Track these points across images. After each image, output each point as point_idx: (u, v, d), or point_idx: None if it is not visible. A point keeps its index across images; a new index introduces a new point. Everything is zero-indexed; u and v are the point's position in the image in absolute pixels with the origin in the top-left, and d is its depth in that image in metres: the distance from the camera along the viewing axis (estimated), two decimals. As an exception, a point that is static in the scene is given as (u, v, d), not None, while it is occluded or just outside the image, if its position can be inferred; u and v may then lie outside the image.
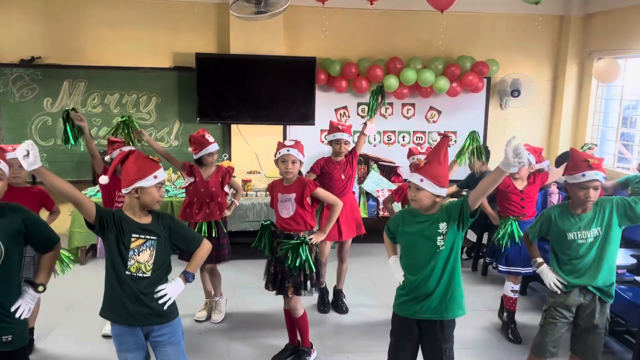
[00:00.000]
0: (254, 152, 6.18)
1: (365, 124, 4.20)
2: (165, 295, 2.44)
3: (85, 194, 5.39)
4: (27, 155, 2.16)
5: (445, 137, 2.70)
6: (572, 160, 2.85)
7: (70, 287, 4.48)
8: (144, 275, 2.43)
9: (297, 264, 3.22)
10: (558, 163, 5.07)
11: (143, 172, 2.44)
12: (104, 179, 2.61)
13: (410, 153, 3.95)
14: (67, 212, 5.01)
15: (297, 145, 3.34)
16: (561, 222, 2.88)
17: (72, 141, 3.76)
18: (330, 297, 4.46)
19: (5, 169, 2.37)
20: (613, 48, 6.10)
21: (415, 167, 2.65)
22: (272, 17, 3.92)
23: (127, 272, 2.41)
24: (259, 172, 6.04)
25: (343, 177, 4.14)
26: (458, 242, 2.62)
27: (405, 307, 2.71)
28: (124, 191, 2.47)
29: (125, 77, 5.96)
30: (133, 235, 2.42)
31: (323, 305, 4.36)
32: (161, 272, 2.48)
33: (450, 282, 2.63)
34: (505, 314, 4.08)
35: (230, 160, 6.15)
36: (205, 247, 2.63)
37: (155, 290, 2.44)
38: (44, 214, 3.39)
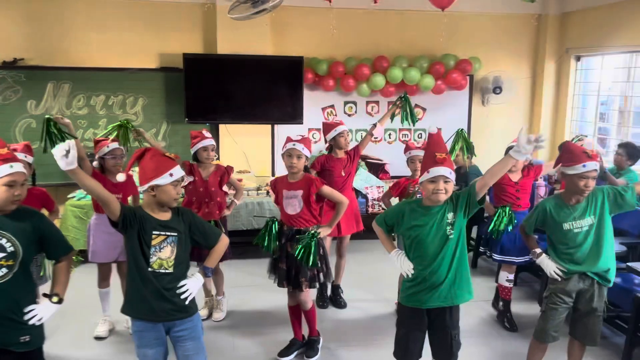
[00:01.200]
0: (243, 152, 6.19)
1: (374, 125, 4.28)
2: (187, 290, 2.46)
3: (74, 197, 5.34)
4: (66, 155, 2.16)
5: (439, 130, 2.78)
6: (570, 153, 2.96)
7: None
8: (167, 271, 2.45)
9: (313, 258, 3.23)
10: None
11: (159, 170, 2.44)
12: (121, 177, 2.62)
13: (407, 148, 4.02)
14: (57, 217, 4.93)
15: (304, 140, 3.36)
16: (556, 213, 2.98)
17: (54, 146, 3.63)
18: (329, 292, 4.51)
19: (26, 173, 2.34)
20: (589, 45, 6.32)
21: (440, 161, 2.65)
22: (273, 8, 3.91)
23: (149, 269, 2.42)
24: (249, 172, 6.06)
25: (343, 173, 4.20)
26: (464, 228, 2.71)
27: (414, 298, 2.76)
28: (140, 189, 2.48)
29: (111, 79, 5.90)
30: (154, 232, 2.43)
31: (322, 300, 4.41)
32: (183, 267, 2.50)
33: (459, 268, 2.70)
34: (500, 303, 4.20)
35: (219, 160, 6.14)
36: (224, 242, 2.65)
37: (177, 286, 2.46)
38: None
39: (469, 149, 4.17)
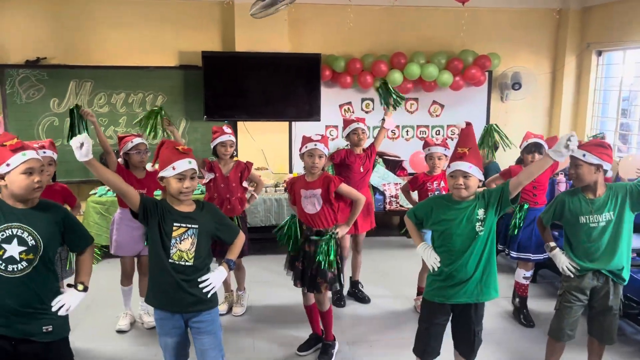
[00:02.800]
0: (261, 149, 6.23)
1: (383, 119, 4.28)
2: (210, 284, 2.49)
3: (95, 193, 5.43)
4: (81, 147, 2.22)
5: (470, 125, 2.76)
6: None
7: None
8: (187, 263, 2.48)
9: (331, 259, 3.24)
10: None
11: (165, 162, 2.51)
12: (150, 166, 2.68)
13: (426, 144, 4.01)
14: (78, 213, 5.02)
15: (324, 139, 3.37)
16: (574, 205, 2.94)
17: (75, 135, 3.73)
18: (346, 290, 4.51)
19: (41, 160, 2.35)
20: (610, 40, 6.23)
21: (459, 156, 2.67)
22: (292, 2, 3.93)
23: (169, 260, 2.46)
24: (267, 169, 6.09)
25: (362, 170, 4.20)
26: (494, 226, 2.70)
27: (440, 293, 2.76)
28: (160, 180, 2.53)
29: (131, 77, 5.98)
30: (175, 224, 2.47)
31: (340, 300, 4.39)
32: (203, 260, 2.53)
33: (487, 265, 2.71)
34: (517, 299, 4.18)
35: (237, 157, 6.19)
36: (242, 237, 2.70)
37: (200, 280, 2.49)
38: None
39: (496, 146, 4.17)
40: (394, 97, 4.29)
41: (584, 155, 2.83)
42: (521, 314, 4.11)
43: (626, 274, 2.98)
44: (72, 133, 3.57)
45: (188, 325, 2.62)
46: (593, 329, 3.09)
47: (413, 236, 2.94)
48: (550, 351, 3.14)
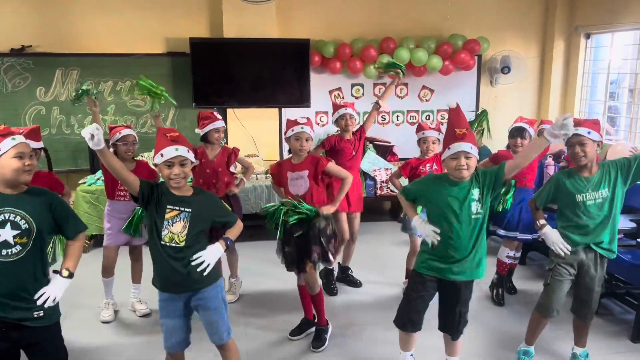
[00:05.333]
0: (251, 136, 6.20)
1: (377, 102, 4.28)
2: (203, 262, 2.50)
3: (84, 182, 5.40)
4: (92, 137, 2.30)
5: (457, 106, 2.76)
6: None
7: (74, 275, 4.48)
8: (177, 245, 2.51)
9: (311, 234, 3.24)
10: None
11: (156, 149, 2.57)
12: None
13: (420, 128, 4.01)
14: (68, 203, 4.99)
15: (309, 122, 3.38)
16: (570, 184, 2.96)
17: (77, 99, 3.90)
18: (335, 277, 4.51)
19: (30, 145, 2.38)
20: (599, 23, 6.24)
21: (460, 136, 2.64)
22: None
23: (161, 242, 2.51)
24: (257, 156, 6.07)
25: (354, 153, 4.21)
26: (488, 206, 2.72)
27: (432, 266, 2.78)
28: None
29: (118, 64, 5.91)
30: (168, 206, 2.52)
31: (330, 289, 4.37)
32: (195, 242, 2.55)
33: (480, 246, 2.73)
34: (495, 276, 4.21)
35: (227, 144, 6.16)
36: (239, 224, 2.74)
37: (193, 258, 2.50)
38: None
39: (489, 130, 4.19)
40: (400, 65, 4.31)
41: (589, 133, 2.86)
42: (495, 291, 4.17)
43: (615, 247, 3.02)
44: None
45: (190, 307, 2.65)
46: (577, 308, 3.13)
47: (407, 211, 2.93)
48: (534, 326, 3.17)
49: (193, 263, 2.50)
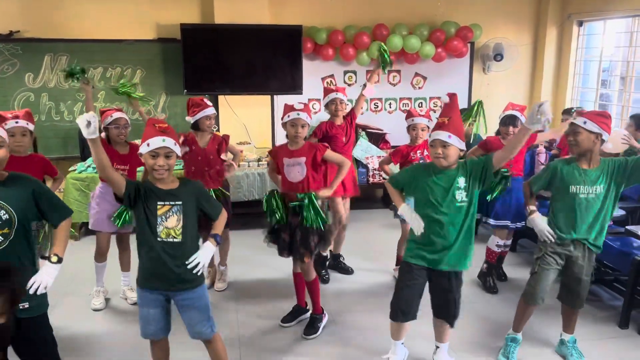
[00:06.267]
0: (243, 124, 6.17)
1: (364, 85, 4.26)
2: (199, 263, 2.49)
3: (75, 170, 5.35)
4: (88, 125, 2.24)
5: (454, 95, 2.75)
6: None
7: (65, 263, 4.45)
8: (175, 239, 2.48)
9: (321, 217, 3.24)
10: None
11: (143, 138, 2.50)
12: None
13: (410, 115, 4.01)
14: (58, 190, 4.95)
15: (306, 108, 3.34)
16: (566, 174, 2.96)
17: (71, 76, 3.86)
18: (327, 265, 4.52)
19: (5, 136, 2.32)
20: (591, 10, 6.23)
21: (439, 125, 2.68)
22: None
23: (158, 239, 2.46)
24: (249, 143, 6.05)
25: (345, 139, 4.20)
26: (476, 196, 2.72)
27: (419, 255, 2.79)
28: None
29: (108, 50, 5.85)
30: (159, 202, 2.47)
31: (320, 276, 4.32)
32: (191, 235, 2.53)
33: (467, 236, 2.74)
34: (484, 265, 4.24)
35: (218, 132, 6.13)
36: (224, 215, 2.71)
37: (188, 261, 2.49)
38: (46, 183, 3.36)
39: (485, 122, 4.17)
40: (385, 59, 4.29)
41: (584, 123, 2.85)
42: (485, 280, 4.20)
43: (601, 243, 3.03)
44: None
45: (171, 301, 2.63)
46: (564, 295, 3.16)
47: (394, 199, 2.93)
48: (521, 314, 3.19)
49: (189, 266, 2.48)
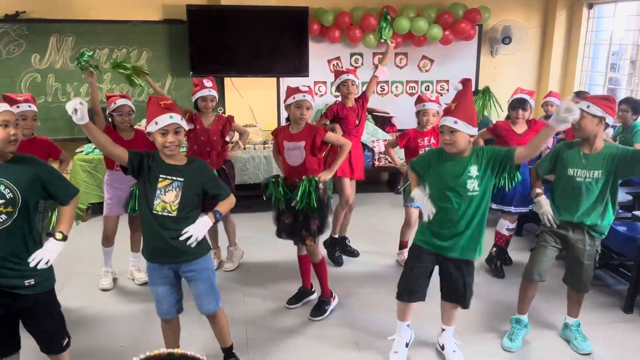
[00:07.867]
0: (248, 106, 6.16)
1: (376, 66, 4.23)
2: (191, 236, 2.49)
3: (82, 151, 5.37)
4: (75, 112, 2.27)
5: (468, 80, 2.73)
6: None
7: (74, 244, 4.50)
8: (169, 214, 2.50)
9: (309, 204, 3.20)
10: None
11: (149, 117, 2.53)
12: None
13: (420, 100, 3.97)
14: (65, 172, 4.97)
15: (310, 91, 3.33)
16: (567, 155, 2.96)
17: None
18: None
19: (14, 114, 2.33)
20: (602, -7, 6.15)
21: (446, 111, 2.66)
22: None
23: (153, 212, 2.50)
24: (255, 126, 6.04)
25: (357, 122, 4.19)
26: (490, 187, 2.71)
27: (429, 241, 2.80)
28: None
29: (114, 31, 5.82)
30: (161, 175, 2.51)
31: (335, 259, 4.39)
32: (188, 212, 2.54)
33: (478, 225, 2.73)
34: (494, 249, 4.25)
35: (224, 114, 6.12)
36: (232, 199, 2.69)
37: (181, 233, 2.50)
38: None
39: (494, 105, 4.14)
40: (386, 26, 4.27)
41: (588, 107, 2.83)
42: (493, 264, 4.21)
43: (605, 228, 3.01)
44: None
45: (179, 276, 2.67)
46: (568, 278, 3.17)
47: (412, 182, 2.94)
48: (523, 293, 3.21)
49: (181, 238, 2.49)
